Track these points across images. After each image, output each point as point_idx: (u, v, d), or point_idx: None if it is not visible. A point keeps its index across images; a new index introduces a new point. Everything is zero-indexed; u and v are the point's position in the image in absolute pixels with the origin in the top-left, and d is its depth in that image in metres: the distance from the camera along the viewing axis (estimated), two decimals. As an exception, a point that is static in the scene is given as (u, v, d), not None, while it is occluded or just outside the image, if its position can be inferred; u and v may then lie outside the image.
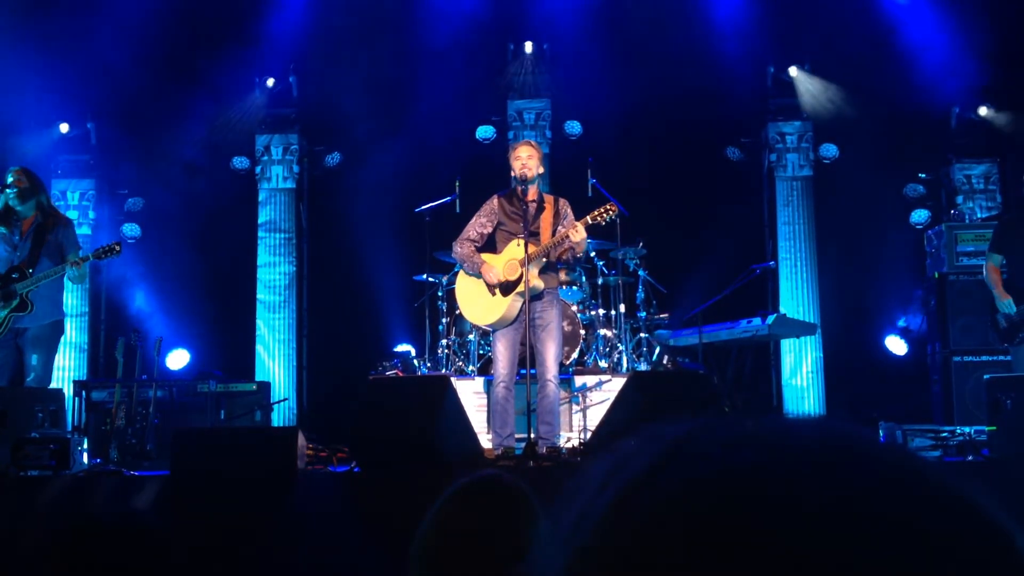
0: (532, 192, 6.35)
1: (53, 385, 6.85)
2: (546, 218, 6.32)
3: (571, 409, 7.50)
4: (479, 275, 6.37)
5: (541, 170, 6.42)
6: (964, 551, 0.50)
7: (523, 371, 6.33)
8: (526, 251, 6.10)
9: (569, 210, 6.45)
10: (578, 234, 6.06)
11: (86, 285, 9.99)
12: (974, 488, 0.53)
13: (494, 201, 6.48)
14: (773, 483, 0.52)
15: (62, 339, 6.91)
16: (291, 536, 4.94)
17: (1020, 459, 5.39)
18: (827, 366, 9.69)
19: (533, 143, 6.53)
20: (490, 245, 6.51)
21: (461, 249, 6.45)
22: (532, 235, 6.23)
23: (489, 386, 7.54)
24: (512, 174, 6.37)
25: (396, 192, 9.55)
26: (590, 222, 6.18)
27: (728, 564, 0.49)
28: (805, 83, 10.06)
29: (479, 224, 6.46)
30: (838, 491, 0.51)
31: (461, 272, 6.63)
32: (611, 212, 6.16)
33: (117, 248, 6.62)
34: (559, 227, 6.32)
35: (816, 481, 0.51)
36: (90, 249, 7.20)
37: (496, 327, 6.39)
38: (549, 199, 6.43)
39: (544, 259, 6.25)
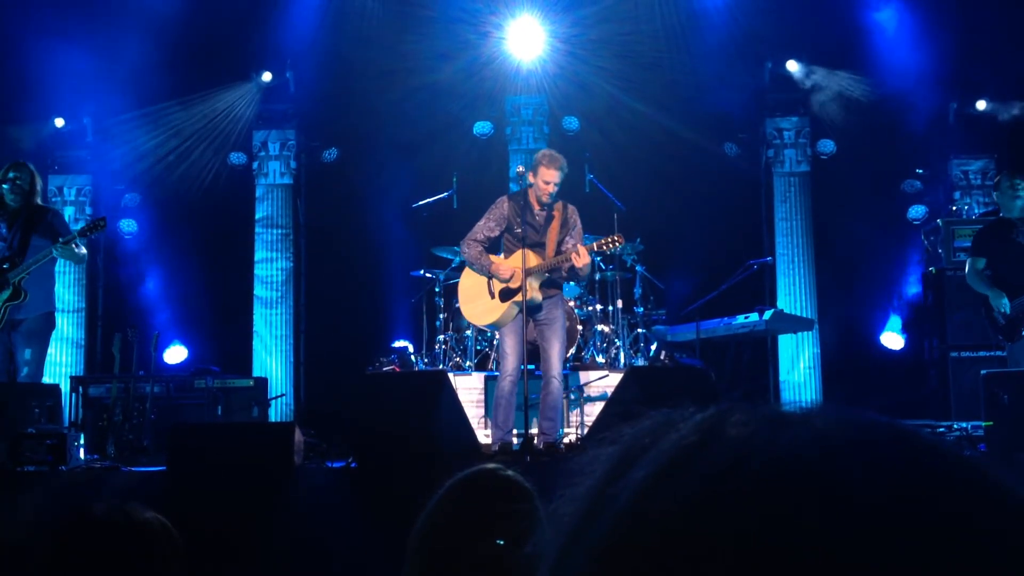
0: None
1: (50, 380, 6.84)
2: (554, 228, 6.27)
3: (568, 404, 7.50)
4: (489, 275, 6.33)
5: None
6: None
7: (528, 367, 6.32)
8: (523, 263, 6.07)
9: (577, 219, 6.38)
10: (581, 259, 6.01)
11: (83, 280, 9.98)
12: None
13: (504, 205, 6.35)
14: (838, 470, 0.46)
15: (56, 333, 6.90)
16: (288, 531, 4.94)
17: (1017, 454, 5.40)
18: (824, 361, 9.68)
19: (562, 167, 6.20)
20: (494, 247, 6.48)
21: (469, 250, 6.37)
22: (539, 245, 6.21)
23: (487, 382, 7.54)
24: (527, 174, 6.25)
25: (393, 188, 9.53)
26: (596, 250, 6.17)
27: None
28: (806, 74, 10.00)
29: (487, 228, 6.35)
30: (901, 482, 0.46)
31: (467, 269, 6.59)
32: (618, 243, 6.15)
33: (102, 224, 6.64)
34: (566, 237, 6.28)
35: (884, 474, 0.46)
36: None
37: (493, 328, 6.42)
38: (558, 206, 6.32)
39: (546, 274, 6.24)
